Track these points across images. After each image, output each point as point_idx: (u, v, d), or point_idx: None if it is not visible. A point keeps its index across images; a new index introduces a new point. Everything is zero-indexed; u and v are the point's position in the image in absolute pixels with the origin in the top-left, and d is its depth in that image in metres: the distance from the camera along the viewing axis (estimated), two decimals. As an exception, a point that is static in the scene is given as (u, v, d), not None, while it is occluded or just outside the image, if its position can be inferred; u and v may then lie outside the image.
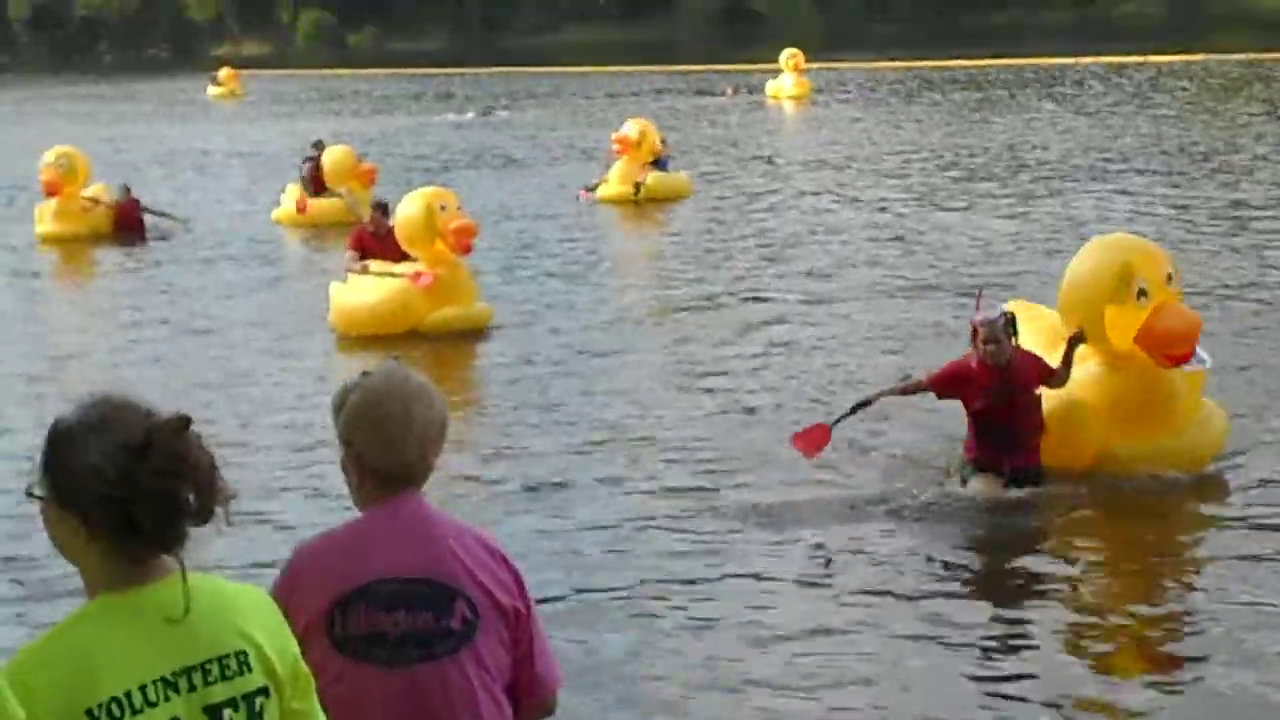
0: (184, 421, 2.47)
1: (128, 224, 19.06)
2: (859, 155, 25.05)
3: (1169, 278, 7.94)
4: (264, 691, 2.55)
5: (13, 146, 33.12)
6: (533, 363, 11.40)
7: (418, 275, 12.49)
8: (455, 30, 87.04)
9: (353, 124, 36.70)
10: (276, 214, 19.93)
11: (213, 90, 49.44)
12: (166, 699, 2.46)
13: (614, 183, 20.94)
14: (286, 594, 3.03)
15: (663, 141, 21.68)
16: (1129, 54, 44.71)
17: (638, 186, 20.40)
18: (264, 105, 45.57)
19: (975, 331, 7.95)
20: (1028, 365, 7.98)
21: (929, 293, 13.31)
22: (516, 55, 66.82)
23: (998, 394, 7.86)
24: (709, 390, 10.25)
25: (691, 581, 6.75)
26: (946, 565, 7.01)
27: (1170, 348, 7.80)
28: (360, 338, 12.23)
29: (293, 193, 19.86)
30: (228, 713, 2.51)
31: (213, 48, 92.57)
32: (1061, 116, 30.29)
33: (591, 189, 21.37)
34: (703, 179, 22.22)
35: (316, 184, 19.72)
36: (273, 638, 2.60)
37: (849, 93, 39.84)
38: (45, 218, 19.00)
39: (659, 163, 21.03)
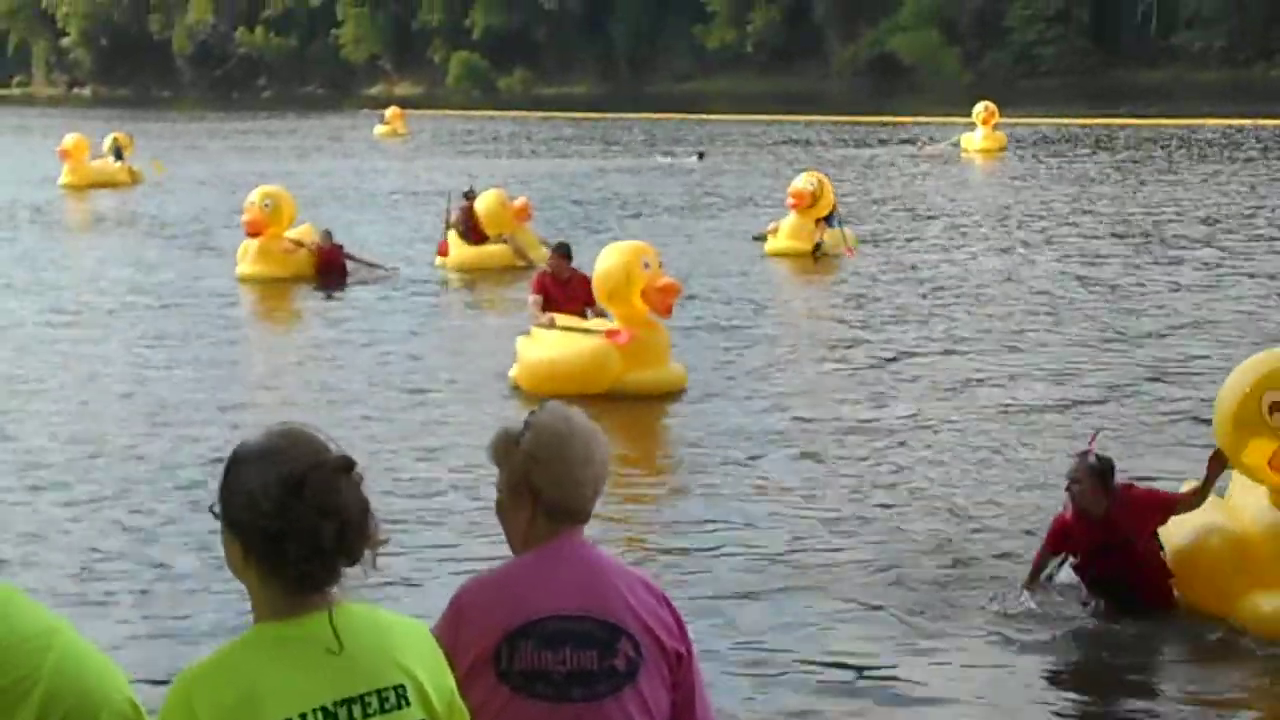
0: (345, 463, 2.53)
1: (329, 269, 18.87)
2: (1057, 212, 24.34)
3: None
4: None
5: (194, 178, 34.41)
6: (724, 432, 10.90)
7: (615, 333, 11.90)
8: (603, 76, 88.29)
9: (523, 165, 37.27)
10: (441, 260, 19.71)
11: (379, 129, 50.42)
12: None
13: (784, 236, 20.53)
14: (452, 629, 3.13)
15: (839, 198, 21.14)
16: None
17: (817, 246, 19.94)
18: (428, 144, 46.54)
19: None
20: (1134, 507, 7.04)
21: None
22: (664, 102, 67.50)
23: (1095, 548, 7.02)
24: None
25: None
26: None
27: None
28: (545, 396, 11.28)
29: (454, 242, 19.68)
30: None
31: (366, 87, 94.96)
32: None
33: (760, 238, 21.12)
34: (875, 235, 21.72)
35: (475, 233, 19.55)
36: (431, 672, 2.63)
37: (1037, 148, 38.68)
38: (247, 258, 18.82)
39: (830, 218, 20.54)
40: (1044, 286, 17.05)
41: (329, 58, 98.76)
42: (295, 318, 17.24)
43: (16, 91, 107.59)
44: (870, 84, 75.09)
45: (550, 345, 12.18)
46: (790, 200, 20.51)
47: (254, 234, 18.66)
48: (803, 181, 20.54)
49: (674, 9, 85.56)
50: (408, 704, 2.56)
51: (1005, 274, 18.12)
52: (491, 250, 19.50)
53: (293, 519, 2.48)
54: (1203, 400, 10.27)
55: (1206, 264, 18.53)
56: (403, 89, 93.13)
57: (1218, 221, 22.63)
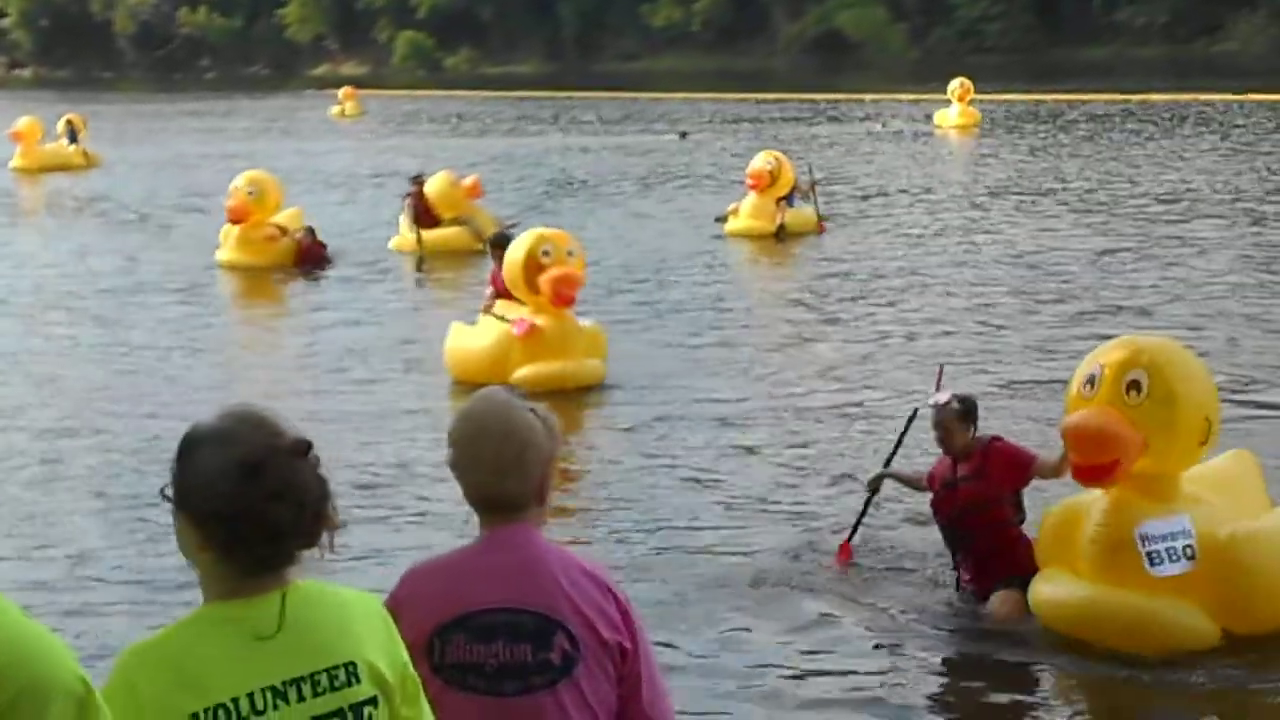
0: (302, 445, 2.53)
1: (311, 260, 18.70)
2: (1034, 187, 24.47)
3: (1134, 383, 6.36)
4: (372, 701, 2.58)
5: (150, 161, 34.18)
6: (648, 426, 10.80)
7: (517, 322, 11.76)
8: (550, 55, 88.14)
9: (480, 144, 37.27)
10: (395, 241, 19.65)
11: (333, 110, 50.25)
12: (275, 707, 2.49)
13: (744, 216, 20.42)
14: (399, 607, 3.03)
15: (811, 172, 21.00)
16: (1247, 91, 44.27)
17: (780, 227, 19.91)
18: (381, 124, 46.43)
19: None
20: (995, 459, 6.97)
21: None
22: (612, 81, 67.54)
23: (944, 485, 7.10)
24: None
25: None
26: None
27: (1069, 449, 6.48)
28: (466, 384, 11.30)
29: (403, 230, 19.51)
30: None
31: (312, 67, 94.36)
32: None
33: (721, 219, 20.97)
34: (846, 214, 21.63)
35: (428, 216, 19.28)
36: (383, 648, 2.62)
37: (1012, 124, 38.53)
38: (229, 244, 18.64)
39: (789, 197, 20.42)
40: (1020, 264, 16.99)
41: (273, 38, 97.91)
42: (270, 304, 17.30)
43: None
44: (817, 61, 75.35)
45: (467, 334, 12.17)
46: (749, 181, 20.42)
47: (237, 220, 18.45)
48: (760, 161, 20.42)
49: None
50: (358, 681, 2.56)
51: (977, 251, 18.06)
52: (446, 234, 19.32)
53: (250, 503, 2.47)
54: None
55: (1198, 238, 18.45)
56: (348, 69, 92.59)
57: (1211, 194, 22.50)
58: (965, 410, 7.04)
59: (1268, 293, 15.00)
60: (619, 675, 3.19)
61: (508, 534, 3.19)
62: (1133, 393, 6.30)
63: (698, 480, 9.49)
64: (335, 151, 35.85)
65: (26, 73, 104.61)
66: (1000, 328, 13.81)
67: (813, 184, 20.81)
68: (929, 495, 7.35)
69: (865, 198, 24.07)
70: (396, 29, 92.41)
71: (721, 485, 9.36)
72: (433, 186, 19.45)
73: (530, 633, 3.13)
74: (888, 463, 7.78)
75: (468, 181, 19.93)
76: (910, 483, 7.57)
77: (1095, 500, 6.57)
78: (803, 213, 20.50)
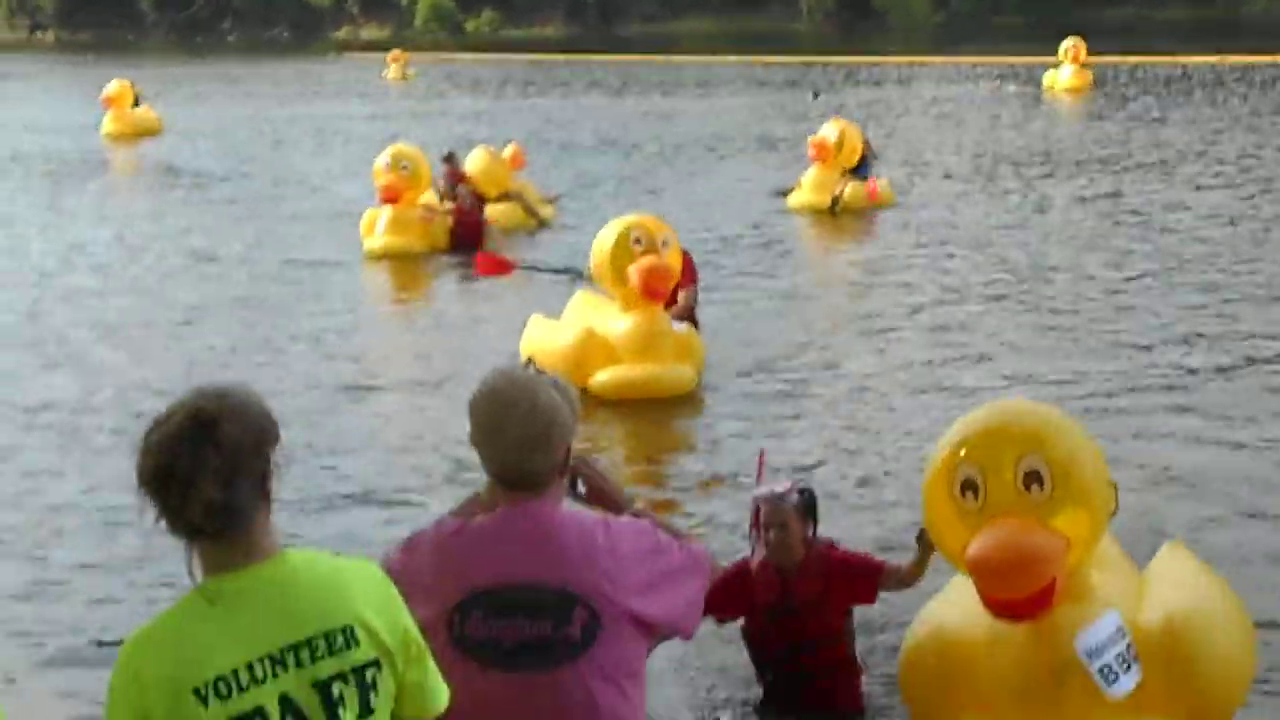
0: (202, 416, 2.56)
1: (468, 235, 16.78)
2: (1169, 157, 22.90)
3: (1033, 475, 4.74)
4: (374, 664, 2.62)
5: (221, 125, 33.95)
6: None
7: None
8: (571, 17, 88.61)
9: (542, 107, 37.14)
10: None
11: (388, 73, 49.90)
12: (274, 675, 2.54)
13: (805, 190, 18.97)
14: (398, 578, 2.96)
15: (867, 144, 19.40)
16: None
17: (835, 200, 18.36)
18: (435, 87, 46.45)
19: (756, 513, 5.51)
20: (837, 570, 5.35)
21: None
22: (636, 44, 68.06)
23: (773, 612, 5.35)
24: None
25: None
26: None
27: (989, 586, 4.71)
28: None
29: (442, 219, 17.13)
30: (337, 686, 2.58)
31: (332, 30, 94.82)
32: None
33: (783, 193, 19.65)
34: (913, 184, 20.34)
35: (475, 197, 17.53)
36: (381, 611, 2.65)
37: (1127, 86, 36.89)
38: (380, 228, 16.69)
39: (860, 168, 18.87)
40: (1129, 245, 15.59)
41: (294, 1, 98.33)
42: (426, 295, 15.52)
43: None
44: (840, 24, 75.91)
45: (547, 329, 10.89)
46: (811, 151, 19.03)
47: (391, 200, 16.63)
48: (826, 130, 19.04)
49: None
50: (357, 644, 2.59)
51: (1078, 226, 16.85)
52: (497, 212, 17.84)
53: (139, 461, 2.58)
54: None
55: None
56: (369, 32, 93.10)
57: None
58: (808, 504, 5.40)
59: None
60: (650, 630, 3.23)
61: (528, 509, 3.20)
62: (1034, 487, 4.71)
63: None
64: (398, 115, 35.88)
65: (48, 35, 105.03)
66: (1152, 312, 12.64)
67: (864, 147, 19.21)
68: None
69: (953, 167, 22.75)
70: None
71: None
72: (475, 164, 18.10)
73: (551, 608, 3.14)
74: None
75: (508, 152, 18.95)
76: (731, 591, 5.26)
77: (990, 623, 4.85)
78: (882, 183, 19.02)
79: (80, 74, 57.16)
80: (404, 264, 16.40)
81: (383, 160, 16.92)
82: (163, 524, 2.59)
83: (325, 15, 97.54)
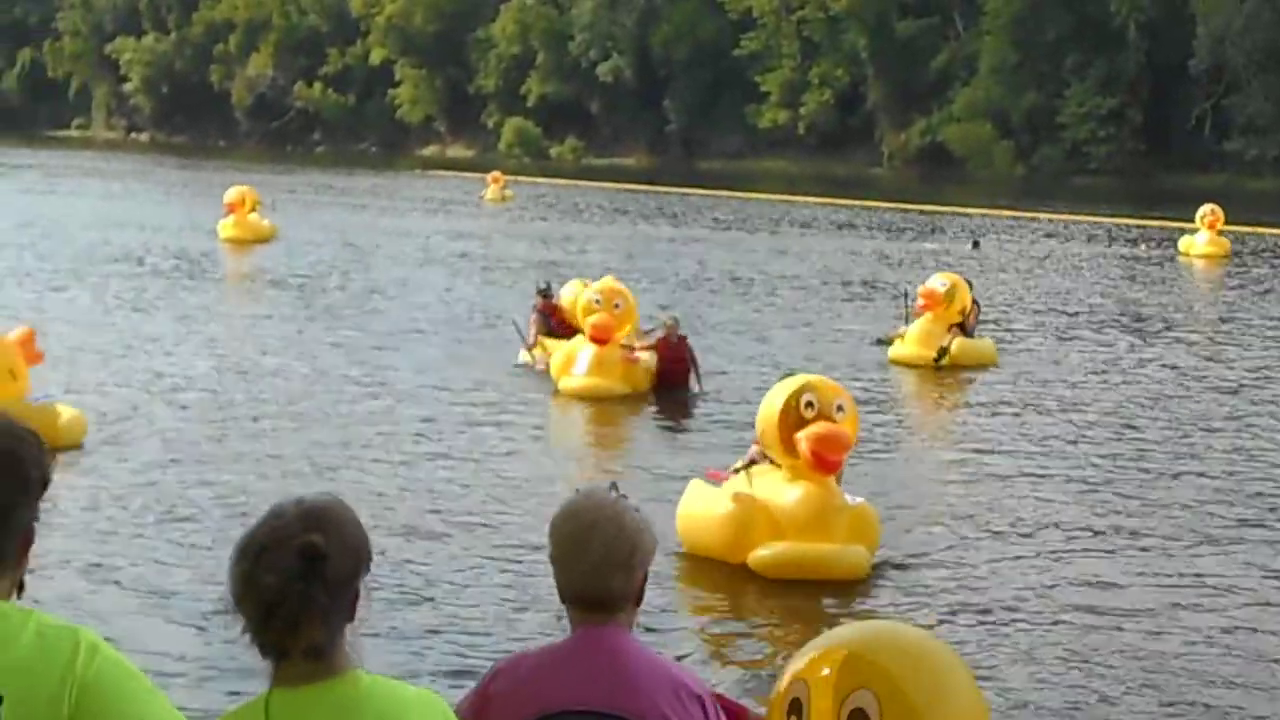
0: (304, 547, 2.51)
1: (672, 376, 16.01)
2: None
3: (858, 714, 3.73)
4: None
5: (331, 237, 34.20)
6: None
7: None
8: (653, 149, 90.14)
9: (633, 233, 37.91)
10: (524, 356, 17.52)
11: (487, 193, 50.63)
12: None
13: (911, 342, 18.58)
14: (478, 708, 3.13)
15: (975, 303, 19.20)
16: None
17: (942, 352, 18.08)
18: (532, 210, 47.27)
19: None
20: None
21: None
22: (714, 178, 68.77)
23: None
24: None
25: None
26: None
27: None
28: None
29: (530, 346, 17.35)
30: None
31: (420, 147, 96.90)
32: None
33: (883, 342, 19.41)
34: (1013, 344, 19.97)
35: (563, 328, 17.30)
36: None
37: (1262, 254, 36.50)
38: (583, 366, 15.85)
39: (963, 325, 18.63)
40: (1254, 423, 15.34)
41: (384, 117, 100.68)
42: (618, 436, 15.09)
43: (75, 134, 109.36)
44: (921, 173, 76.77)
45: (706, 497, 10.09)
46: (920, 302, 18.71)
47: (601, 340, 15.76)
48: (934, 281, 18.95)
49: (727, 87, 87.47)
50: None
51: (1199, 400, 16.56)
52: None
53: (240, 587, 2.55)
54: None
55: None
56: (455, 151, 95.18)
57: None
58: None
59: None
60: None
61: (600, 634, 3.18)
62: None
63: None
64: (527, 239, 35.97)
65: (144, 136, 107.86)
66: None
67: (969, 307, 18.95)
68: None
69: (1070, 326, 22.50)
70: (505, 115, 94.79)
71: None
72: (570, 297, 17.80)
73: None
74: None
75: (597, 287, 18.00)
76: None
77: None
78: (977, 345, 18.72)
79: (181, 176, 58.30)
80: (603, 406, 15.56)
81: (590, 295, 16.34)
82: (248, 638, 2.58)
83: (412, 132, 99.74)
